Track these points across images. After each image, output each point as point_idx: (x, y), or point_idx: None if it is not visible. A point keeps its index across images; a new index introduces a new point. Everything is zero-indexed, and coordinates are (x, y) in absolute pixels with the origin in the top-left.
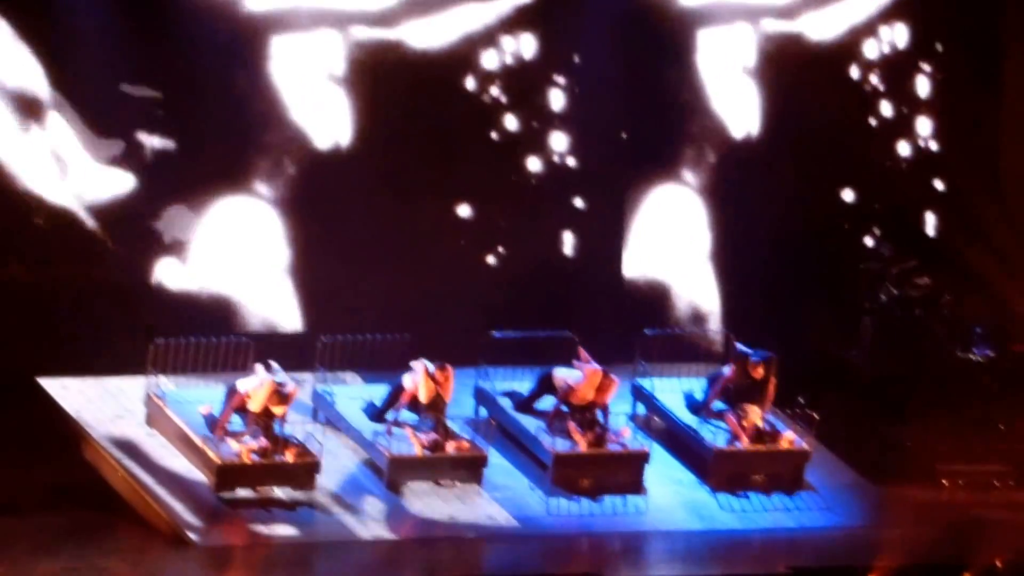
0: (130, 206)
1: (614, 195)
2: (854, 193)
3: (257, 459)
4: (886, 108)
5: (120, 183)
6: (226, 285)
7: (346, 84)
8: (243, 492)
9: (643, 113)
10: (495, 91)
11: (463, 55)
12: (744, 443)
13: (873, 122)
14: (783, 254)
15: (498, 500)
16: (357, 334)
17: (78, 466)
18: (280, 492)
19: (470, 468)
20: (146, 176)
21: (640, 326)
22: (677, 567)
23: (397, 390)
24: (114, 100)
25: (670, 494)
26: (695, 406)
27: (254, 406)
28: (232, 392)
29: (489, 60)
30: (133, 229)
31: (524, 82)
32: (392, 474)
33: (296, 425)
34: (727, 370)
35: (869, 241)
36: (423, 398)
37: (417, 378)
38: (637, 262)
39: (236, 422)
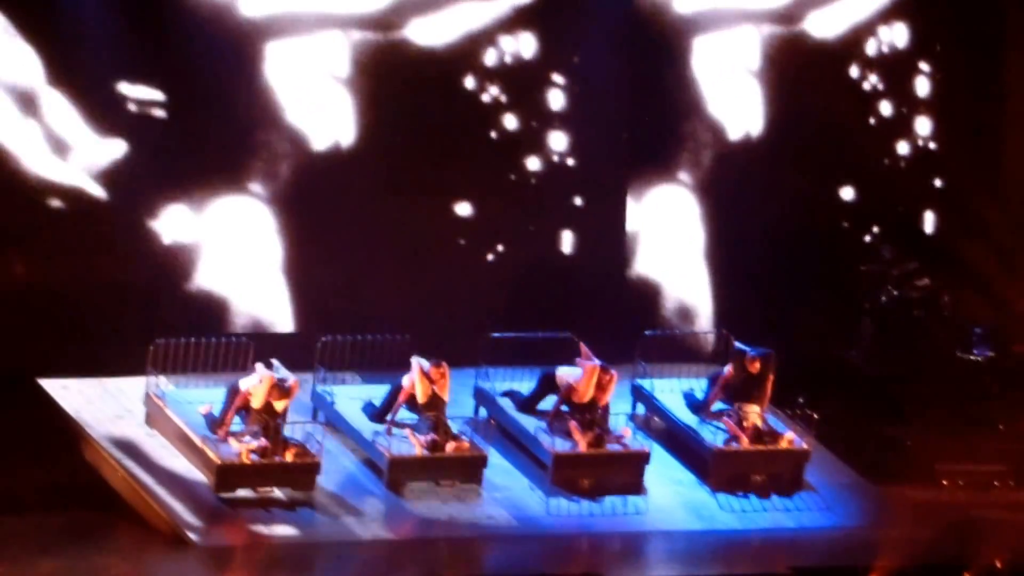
0: (130, 206)
1: (614, 195)
2: (854, 193)
3: (257, 459)
4: (886, 108)
5: (120, 184)
6: (226, 286)
7: (346, 83)
8: (243, 492)
9: (643, 113)
10: (494, 90)
11: (463, 54)
12: (744, 443)
13: (873, 122)
14: (783, 254)
15: (498, 500)
16: (357, 334)
17: (78, 466)
18: (280, 492)
19: (470, 468)
20: (146, 177)
21: (640, 326)
22: (677, 567)
23: (396, 390)
24: (114, 100)
25: (670, 494)
26: (695, 405)
27: (256, 402)
28: (234, 391)
29: (489, 59)
30: (133, 229)
31: (524, 81)
32: (392, 474)
33: (296, 425)
34: (727, 369)
35: (869, 241)
36: (419, 396)
37: (412, 376)
38: (637, 262)
39: (236, 422)
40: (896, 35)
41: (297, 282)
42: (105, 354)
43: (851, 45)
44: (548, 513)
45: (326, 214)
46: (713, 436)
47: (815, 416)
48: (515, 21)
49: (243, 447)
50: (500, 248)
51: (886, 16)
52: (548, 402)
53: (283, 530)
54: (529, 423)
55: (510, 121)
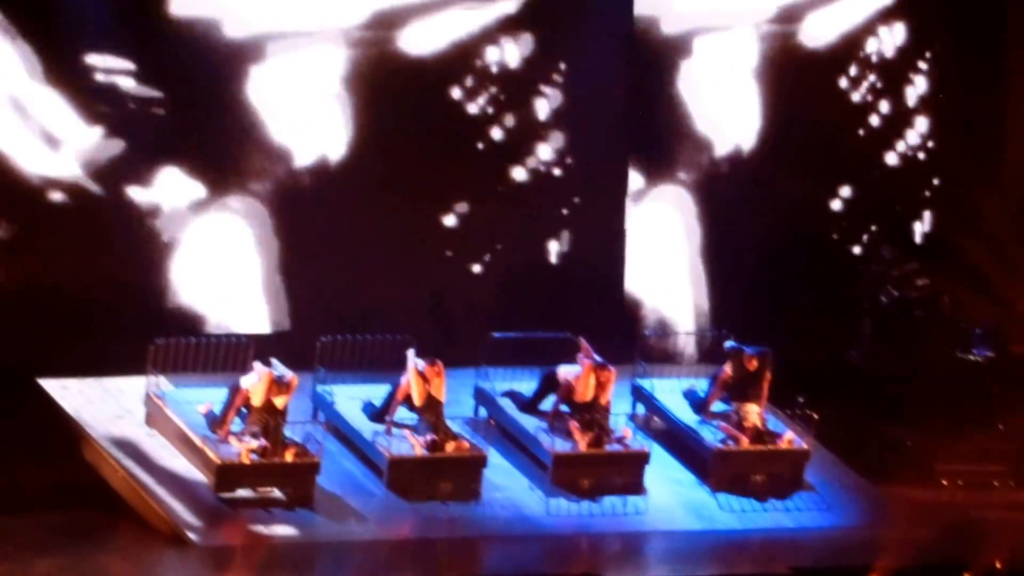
0: (130, 206)
1: (613, 197)
2: (854, 193)
3: (257, 459)
4: (885, 108)
5: (120, 183)
6: (226, 286)
7: (343, 90)
8: (243, 492)
9: (641, 115)
10: (492, 92)
11: (456, 61)
12: (744, 443)
13: (873, 122)
14: (783, 254)
15: (498, 500)
16: (357, 334)
17: (78, 466)
18: (279, 492)
19: (470, 468)
20: (146, 176)
21: (639, 327)
22: (677, 567)
23: (395, 390)
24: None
25: (670, 494)
26: (696, 403)
27: (256, 400)
28: (235, 390)
29: (482, 65)
30: (133, 229)
31: (519, 85)
32: (392, 474)
33: (296, 425)
34: (725, 368)
35: (869, 241)
36: (415, 399)
37: (407, 375)
38: (636, 264)
39: (236, 423)
40: (895, 36)
41: (297, 283)
42: (105, 354)
43: (850, 46)
44: (548, 513)
45: (326, 215)
46: (713, 436)
47: (815, 416)
48: (507, 26)
49: (243, 447)
50: (499, 247)
51: (884, 18)
52: (550, 402)
53: (283, 530)
54: (529, 423)
55: (509, 123)
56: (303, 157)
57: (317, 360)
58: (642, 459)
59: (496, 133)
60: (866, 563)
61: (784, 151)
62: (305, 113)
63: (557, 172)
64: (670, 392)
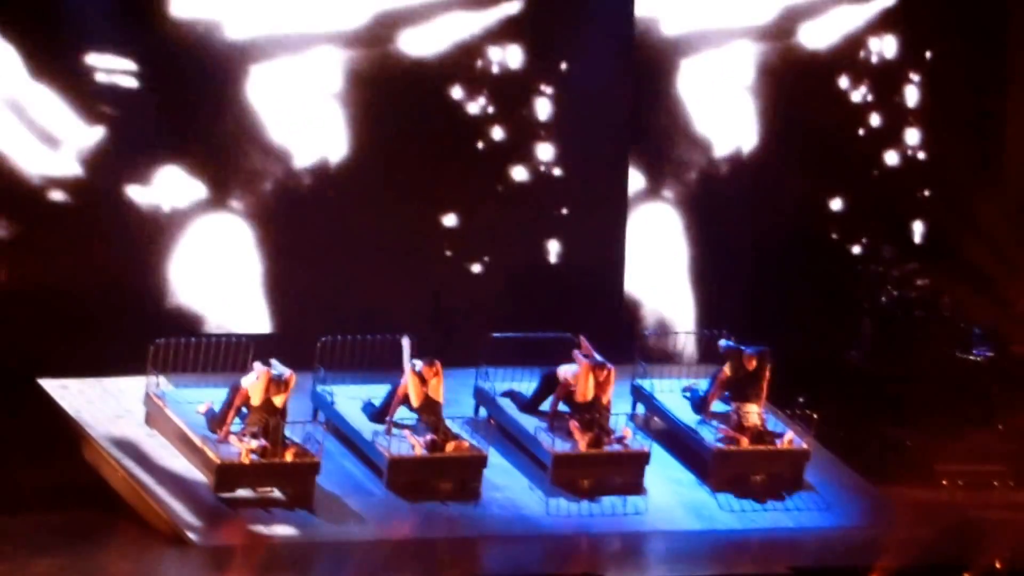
0: (130, 206)
1: (613, 198)
2: (853, 194)
3: (257, 459)
4: (885, 109)
5: (120, 183)
6: (226, 286)
7: (343, 90)
8: (243, 492)
9: (641, 116)
10: (490, 95)
11: (456, 62)
12: (744, 443)
13: (874, 122)
14: (783, 255)
15: (498, 500)
16: (357, 334)
17: (78, 466)
18: (279, 492)
19: (470, 468)
20: (146, 176)
21: (639, 327)
22: (677, 567)
23: (395, 390)
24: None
25: (670, 494)
26: (696, 403)
27: (255, 399)
28: (235, 390)
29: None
30: (133, 229)
31: (520, 86)
32: (392, 474)
33: (296, 425)
34: (724, 367)
35: (868, 241)
36: (412, 400)
37: (405, 376)
38: (636, 265)
39: (236, 423)
40: (895, 35)
41: (297, 283)
42: (105, 354)
43: (846, 53)
44: (548, 513)
45: (326, 215)
46: (713, 436)
47: (815, 416)
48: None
49: (243, 447)
50: (499, 250)
51: (878, 26)
52: (550, 402)
53: (283, 530)
54: (529, 423)
55: (508, 125)
56: (303, 157)
57: (317, 360)
58: (642, 459)
59: (496, 134)
60: (866, 563)
61: (784, 151)
62: (305, 113)
63: (557, 172)
64: (670, 392)
